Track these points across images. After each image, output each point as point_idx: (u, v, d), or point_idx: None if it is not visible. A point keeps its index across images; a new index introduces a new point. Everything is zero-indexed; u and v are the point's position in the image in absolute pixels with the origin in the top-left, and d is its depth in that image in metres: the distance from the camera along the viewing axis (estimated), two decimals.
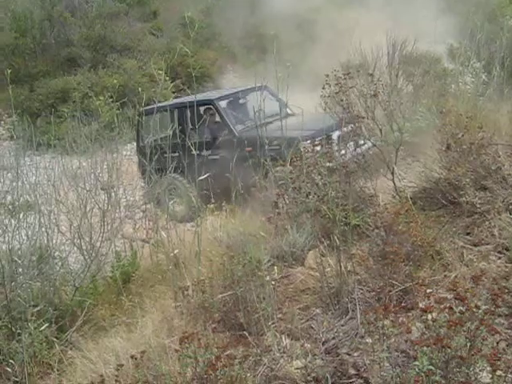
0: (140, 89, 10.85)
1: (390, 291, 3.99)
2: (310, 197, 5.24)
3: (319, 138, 7.69)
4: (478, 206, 5.05)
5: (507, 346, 3.32)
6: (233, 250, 4.77)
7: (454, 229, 4.93)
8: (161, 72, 8.73)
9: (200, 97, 9.97)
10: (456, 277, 4.08)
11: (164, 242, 5.88)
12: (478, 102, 8.28)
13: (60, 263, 5.57)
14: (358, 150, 6.25)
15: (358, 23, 14.06)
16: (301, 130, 7.37)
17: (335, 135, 7.60)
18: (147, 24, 19.15)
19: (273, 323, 3.94)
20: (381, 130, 6.02)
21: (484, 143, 5.38)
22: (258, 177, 6.89)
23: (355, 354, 3.55)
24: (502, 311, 3.39)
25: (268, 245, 5.10)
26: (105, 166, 6.33)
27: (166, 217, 6.53)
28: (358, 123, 5.85)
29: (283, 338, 3.82)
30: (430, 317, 2.72)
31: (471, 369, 2.64)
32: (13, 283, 4.96)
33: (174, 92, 14.32)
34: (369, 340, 3.49)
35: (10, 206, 5.63)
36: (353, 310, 3.97)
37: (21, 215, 5.41)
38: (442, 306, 2.76)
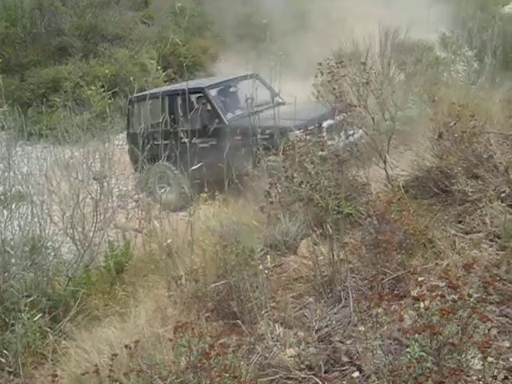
0: (132, 78, 10.84)
1: (383, 279, 4.01)
2: (303, 186, 5.24)
3: (310, 127, 7.71)
4: (470, 194, 5.07)
5: (498, 333, 3.35)
6: (226, 239, 4.78)
7: (446, 217, 4.95)
8: (153, 61, 8.72)
9: (191, 85, 9.92)
10: (448, 265, 4.11)
11: (157, 231, 5.89)
12: (469, 90, 8.30)
13: (53, 253, 5.57)
14: (350, 138, 6.25)
15: (351, 12, 14.02)
16: (292, 119, 7.37)
17: (326, 124, 7.60)
18: (138, 13, 19.07)
19: (266, 312, 3.96)
20: (373, 119, 6.02)
21: (476, 132, 5.39)
22: (248, 165, 6.90)
23: (348, 342, 3.57)
24: (493, 299, 3.41)
25: (261, 234, 5.11)
26: (97, 156, 6.32)
27: (157, 206, 6.55)
28: (350, 112, 5.84)
29: (276, 327, 3.84)
30: (422, 305, 2.74)
31: (463, 356, 2.67)
32: (6, 274, 4.96)
33: (165, 81, 14.27)
34: (361, 328, 3.51)
35: (1, 197, 5.61)
36: (345, 298, 3.98)
37: (13, 206, 5.39)
38: (433, 294, 2.78)
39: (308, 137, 6.13)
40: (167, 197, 9.84)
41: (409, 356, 2.59)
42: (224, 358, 3.12)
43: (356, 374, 3.30)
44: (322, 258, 4.38)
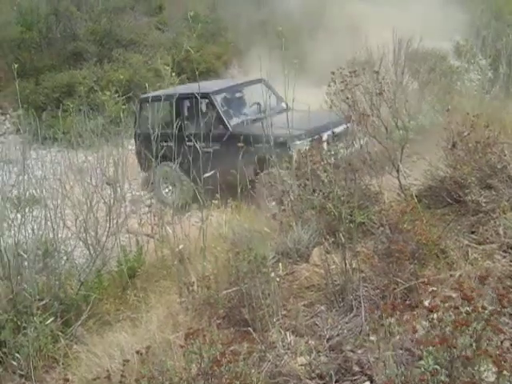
0: (146, 84, 10.88)
1: (395, 289, 4.00)
2: (316, 194, 5.24)
3: (310, 139, 7.68)
4: (484, 204, 5.04)
5: (511, 345, 3.33)
6: (238, 246, 4.78)
7: (459, 227, 4.93)
8: (167, 67, 8.75)
9: (197, 88, 9.89)
10: (461, 276, 4.09)
11: (169, 237, 5.90)
12: (483, 99, 8.27)
13: (65, 257, 5.59)
14: (352, 148, 6.17)
15: (366, 19, 14.02)
16: (289, 129, 7.30)
17: (326, 135, 7.56)
18: (153, 18, 19.15)
19: (277, 320, 3.96)
20: (386, 128, 6.01)
21: (490, 142, 5.37)
22: (250, 174, 6.90)
23: (359, 352, 3.56)
24: (507, 311, 3.39)
25: (273, 241, 5.11)
26: (110, 161, 6.34)
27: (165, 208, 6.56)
28: (363, 121, 5.83)
29: (288, 335, 3.84)
30: (435, 316, 2.73)
31: (476, 368, 2.65)
32: (18, 277, 4.98)
33: None
34: (373, 337, 3.49)
35: (16, 200, 5.64)
36: (357, 308, 3.97)
37: (27, 209, 5.42)
38: (447, 305, 2.77)
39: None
40: (171, 197, 9.98)
41: (423, 368, 2.58)
42: (235, 365, 3.12)
43: (367, 383, 3.29)
44: (334, 266, 4.37)
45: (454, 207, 5.25)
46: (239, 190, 6.16)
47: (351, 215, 4.59)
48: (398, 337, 3.13)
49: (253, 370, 3.30)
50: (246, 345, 3.60)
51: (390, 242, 4.38)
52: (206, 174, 6.08)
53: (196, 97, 9.51)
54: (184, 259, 5.21)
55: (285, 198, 5.55)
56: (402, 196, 5.55)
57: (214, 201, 6.35)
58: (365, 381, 3.32)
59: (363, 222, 5.00)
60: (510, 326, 3.48)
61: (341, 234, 4.37)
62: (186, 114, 10.58)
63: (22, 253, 5.12)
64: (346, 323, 3.90)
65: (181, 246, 5.42)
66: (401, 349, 3.15)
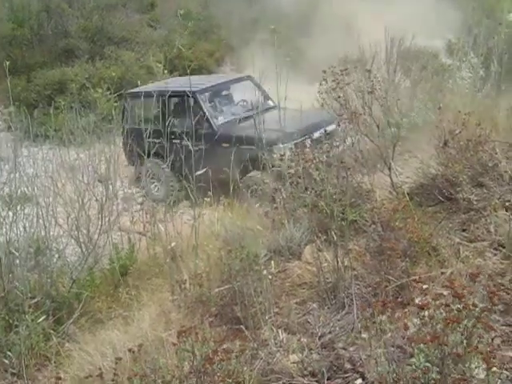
0: (138, 81, 10.86)
1: (387, 287, 4.01)
2: (308, 192, 5.25)
3: (299, 140, 7.61)
4: (475, 202, 5.07)
5: (502, 342, 3.35)
6: (230, 244, 4.78)
7: (451, 225, 4.95)
8: (159, 65, 8.74)
9: (184, 85, 9.75)
10: (452, 273, 4.10)
11: (161, 235, 5.89)
12: (475, 97, 8.29)
13: (57, 255, 5.59)
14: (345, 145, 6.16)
15: (358, 17, 14.05)
16: (279, 130, 7.27)
17: (316, 135, 7.50)
18: (145, 16, 19.09)
19: (269, 317, 3.97)
20: (378, 126, 6.03)
21: (481, 140, 5.39)
22: (235, 175, 6.93)
23: (351, 349, 3.57)
24: (497, 308, 3.41)
25: (265, 239, 5.12)
26: (102, 158, 6.33)
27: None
28: (354, 119, 5.84)
29: (280, 332, 3.84)
30: (426, 313, 2.74)
31: (467, 365, 2.67)
32: (10, 275, 4.97)
33: None
34: (365, 335, 3.50)
35: (7, 198, 5.63)
36: (349, 305, 3.99)
37: (18, 207, 5.41)
38: (438, 303, 2.78)
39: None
40: (157, 192, 10.01)
41: (414, 366, 2.59)
42: (227, 363, 3.13)
43: (359, 381, 3.30)
44: (326, 264, 4.39)
45: (446, 205, 5.27)
46: (231, 188, 6.18)
47: (343, 213, 4.60)
48: (389, 334, 3.13)
49: (245, 368, 3.30)
50: (239, 342, 3.60)
51: (382, 240, 4.40)
52: (198, 172, 6.08)
53: (182, 95, 9.45)
54: (176, 257, 5.21)
55: (277, 195, 5.55)
56: (393, 194, 5.58)
57: (206, 198, 6.34)
58: (357, 378, 3.33)
59: (355, 220, 5.02)
60: (500, 324, 3.50)
61: (333, 232, 4.38)
62: (172, 110, 10.50)
63: (13, 251, 5.12)
64: (338, 321, 3.91)
65: (173, 244, 5.42)
66: (392, 346, 3.16)
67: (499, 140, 5.69)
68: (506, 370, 2.96)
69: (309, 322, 3.99)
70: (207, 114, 10.10)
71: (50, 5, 17.00)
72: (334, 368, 3.44)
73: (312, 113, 7.47)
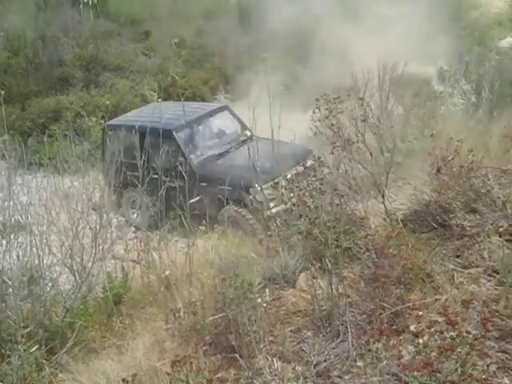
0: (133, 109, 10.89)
1: (381, 314, 4.01)
2: (302, 219, 5.25)
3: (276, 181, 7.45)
4: (468, 228, 5.08)
5: (498, 369, 3.33)
6: (224, 272, 4.77)
7: (445, 251, 4.95)
8: (153, 93, 8.77)
9: (161, 119, 9.26)
10: (447, 300, 4.10)
11: (155, 263, 5.88)
12: (467, 124, 8.36)
13: (51, 284, 5.55)
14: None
15: (351, 46, 14.20)
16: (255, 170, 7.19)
17: (292, 173, 7.26)
18: (140, 44, 19.22)
19: (264, 346, 3.95)
20: (371, 153, 6.06)
21: (474, 166, 5.42)
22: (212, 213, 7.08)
23: (346, 377, 3.56)
24: (492, 334, 3.41)
25: (259, 267, 5.11)
26: (96, 186, 6.34)
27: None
28: (347, 147, 5.86)
29: (275, 361, 3.82)
30: (421, 341, 2.74)
31: None
32: (3, 304, 4.94)
33: None
34: (360, 363, 3.48)
35: (1, 226, 5.61)
36: (344, 333, 3.97)
37: (12, 236, 5.39)
38: (432, 330, 2.78)
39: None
40: (138, 219, 10.07)
41: None
42: None
43: None
44: (320, 291, 4.37)
45: (439, 231, 5.28)
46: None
47: (337, 240, 4.60)
48: (384, 362, 3.13)
49: None
50: (233, 371, 3.58)
51: (376, 267, 4.40)
52: (192, 201, 6.11)
53: (159, 133, 9.18)
54: (170, 285, 5.19)
55: (271, 223, 5.57)
56: (387, 221, 5.58)
57: (200, 227, 6.34)
58: None
59: (349, 247, 5.01)
60: (495, 350, 3.49)
61: (327, 260, 4.38)
62: (149, 144, 10.23)
63: (6, 279, 5.09)
64: (333, 349, 3.90)
65: (167, 272, 5.40)
66: (388, 374, 3.15)
67: (491, 166, 5.73)
68: None
69: (304, 350, 3.97)
70: (185, 152, 10.09)
71: (46, 33, 17.12)
72: None
73: (291, 146, 7.53)
